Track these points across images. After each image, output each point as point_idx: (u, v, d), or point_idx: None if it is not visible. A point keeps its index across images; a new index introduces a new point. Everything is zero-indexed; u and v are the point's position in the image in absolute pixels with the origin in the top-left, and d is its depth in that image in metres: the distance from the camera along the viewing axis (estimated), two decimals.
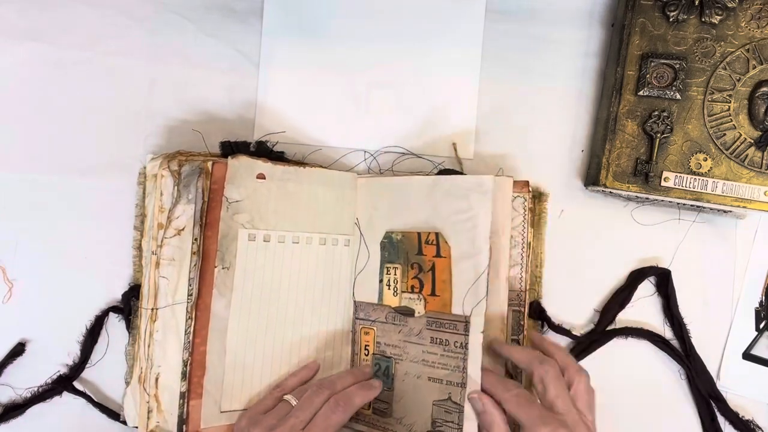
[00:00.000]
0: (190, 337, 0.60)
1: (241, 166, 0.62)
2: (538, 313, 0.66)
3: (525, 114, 0.70)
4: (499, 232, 0.63)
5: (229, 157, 0.62)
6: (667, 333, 0.68)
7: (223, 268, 0.61)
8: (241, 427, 0.58)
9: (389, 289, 0.64)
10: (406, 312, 0.63)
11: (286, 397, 0.59)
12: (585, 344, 0.67)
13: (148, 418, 0.61)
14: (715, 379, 0.67)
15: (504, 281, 0.62)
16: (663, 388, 0.67)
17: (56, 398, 0.66)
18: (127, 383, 0.65)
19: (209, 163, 0.61)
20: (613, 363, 0.67)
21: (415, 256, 0.63)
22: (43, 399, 0.65)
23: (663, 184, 0.64)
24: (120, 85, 0.69)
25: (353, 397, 0.59)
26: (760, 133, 0.63)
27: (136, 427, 0.62)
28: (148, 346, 0.62)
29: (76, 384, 0.66)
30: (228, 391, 0.61)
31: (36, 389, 0.66)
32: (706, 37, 0.64)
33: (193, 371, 0.60)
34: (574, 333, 0.67)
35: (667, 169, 0.64)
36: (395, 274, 0.64)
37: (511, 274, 0.64)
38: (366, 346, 0.65)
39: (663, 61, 0.64)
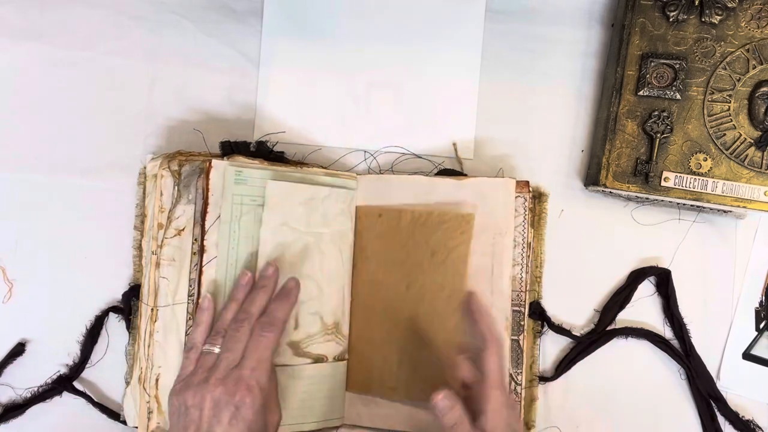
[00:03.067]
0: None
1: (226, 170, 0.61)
2: (538, 313, 0.66)
3: (525, 114, 0.70)
4: (503, 232, 0.63)
5: (213, 161, 0.61)
6: (667, 333, 0.68)
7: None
8: (176, 405, 0.54)
9: None
10: None
11: (204, 348, 0.56)
12: (585, 344, 0.67)
13: (149, 418, 0.61)
14: (715, 379, 0.67)
15: (508, 281, 0.63)
16: (663, 388, 0.67)
17: (56, 398, 0.66)
18: (127, 383, 0.65)
19: (208, 163, 0.61)
20: (613, 363, 0.67)
21: None
22: (43, 399, 0.65)
23: (663, 184, 0.64)
24: (120, 85, 0.69)
25: (275, 313, 0.57)
26: (760, 133, 0.63)
27: (136, 427, 0.62)
28: (148, 346, 0.62)
29: (76, 384, 0.66)
30: None
31: (36, 389, 0.66)
32: (706, 37, 0.64)
33: None
34: (574, 333, 0.67)
35: (667, 169, 0.64)
36: None
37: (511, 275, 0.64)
38: None
39: (663, 61, 0.64)
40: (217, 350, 0.56)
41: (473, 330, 0.58)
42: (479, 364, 0.55)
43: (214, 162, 0.61)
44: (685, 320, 0.67)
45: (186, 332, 0.60)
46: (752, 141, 0.63)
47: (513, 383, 0.63)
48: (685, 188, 0.64)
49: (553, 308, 0.67)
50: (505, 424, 0.53)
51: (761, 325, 0.67)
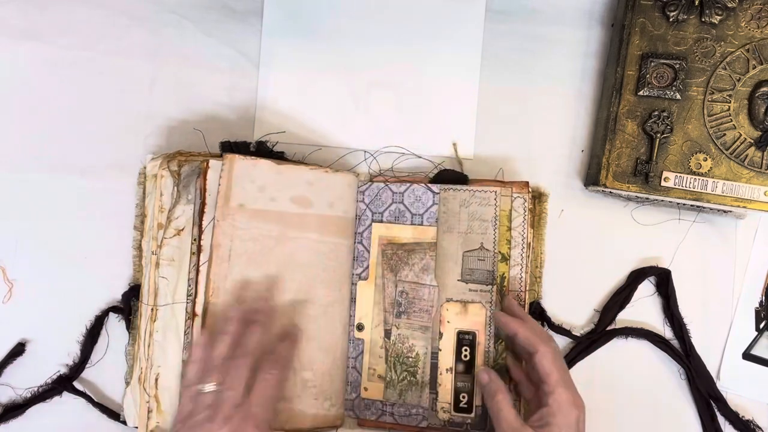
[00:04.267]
0: (190, 338, 0.60)
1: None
2: (538, 313, 0.66)
3: (525, 114, 0.70)
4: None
5: (210, 161, 0.61)
6: (667, 333, 0.68)
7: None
8: None
9: None
10: None
11: (198, 387, 0.53)
12: (585, 344, 0.67)
13: (148, 418, 0.61)
14: (715, 379, 0.67)
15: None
16: (663, 388, 0.67)
17: (56, 398, 0.66)
18: (127, 383, 0.65)
19: (205, 164, 0.61)
20: (613, 363, 0.67)
21: None
22: (43, 399, 0.65)
23: (663, 184, 0.64)
24: (120, 85, 0.69)
25: (282, 351, 0.57)
26: (760, 133, 0.63)
27: (136, 427, 0.63)
28: (148, 346, 0.62)
29: (76, 384, 0.66)
30: None
31: (36, 389, 0.66)
32: (706, 37, 0.64)
33: None
34: (574, 333, 0.67)
35: (667, 169, 0.64)
36: None
37: (511, 275, 0.64)
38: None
39: (663, 61, 0.64)
40: (210, 388, 0.53)
41: (516, 338, 0.59)
42: (536, 368, 0.56)
43: (212, 162, 0.61)
44: (685, 320, 0.67)
45: (185, 332, 0.60)
46: (752, 141, 0.63)
47: (513, 383, 0.63)
48: (685, 188, 0.64)
49: (553, 308, 0.67)
50: (571, 421, 0.54)
51: (761, 325, 0.67)
